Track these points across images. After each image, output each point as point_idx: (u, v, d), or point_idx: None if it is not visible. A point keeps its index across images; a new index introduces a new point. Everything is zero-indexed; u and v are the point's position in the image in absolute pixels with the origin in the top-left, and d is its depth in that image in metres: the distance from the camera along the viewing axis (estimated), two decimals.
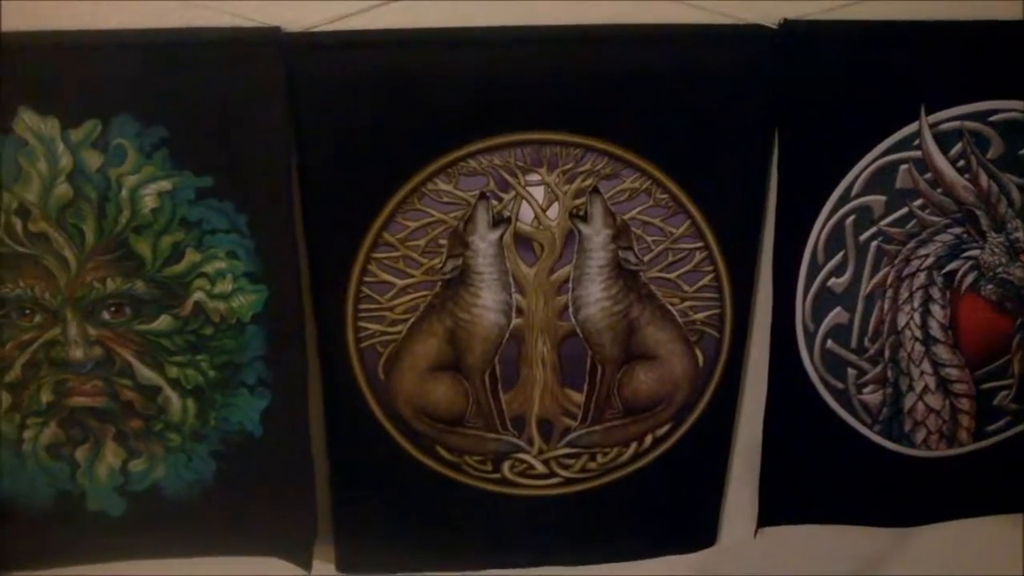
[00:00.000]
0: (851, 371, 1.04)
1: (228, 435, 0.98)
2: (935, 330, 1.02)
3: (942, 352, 1.03)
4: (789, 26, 0.91)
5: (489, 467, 1.03)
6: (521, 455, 1.03)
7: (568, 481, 1.05)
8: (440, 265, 0.95)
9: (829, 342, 1.03)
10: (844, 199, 0.98)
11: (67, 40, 0.82)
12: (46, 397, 0.92)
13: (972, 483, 1.10)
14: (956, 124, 0.96)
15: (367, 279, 0.94)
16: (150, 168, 0.86)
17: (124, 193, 0.86)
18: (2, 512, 0.96)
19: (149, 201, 0.87)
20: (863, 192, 0.98)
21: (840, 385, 1.04)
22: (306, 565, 1.01)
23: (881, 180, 0.97)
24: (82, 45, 0.82)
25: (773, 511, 1.09)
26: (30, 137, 0.83)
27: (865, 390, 1.05)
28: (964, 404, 1.06)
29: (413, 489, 1.03)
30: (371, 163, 0.90)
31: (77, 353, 0.90)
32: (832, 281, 1.00)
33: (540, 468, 1.03)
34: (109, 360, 0.92)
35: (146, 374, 0.94)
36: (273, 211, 0.90)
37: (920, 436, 1.07)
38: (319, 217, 0.91)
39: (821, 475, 1.09)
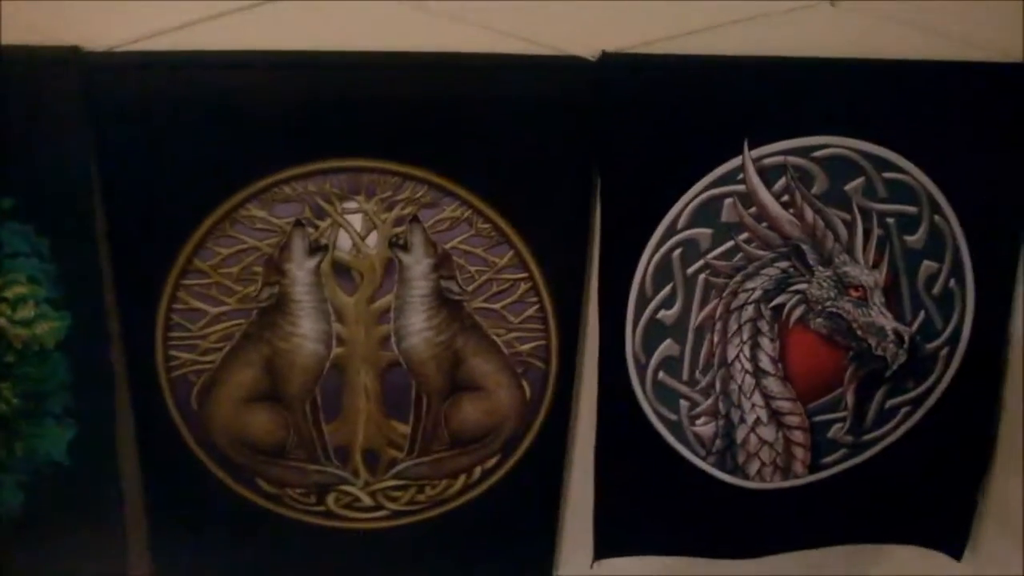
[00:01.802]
0: (684, 403, 1.04)
1: (35, 466, 0.95)
2: (765, 363, 1.03)
3: (772, 385, 1.04)
4: (607, 58, 0.91)
5: (313, 499, 1.02)
6: (346, 487, 1.02)
7: (396, 514, 1.04)
8: (255, 293, 0.93)
9: (661, 374, 1.03)
10: (670, 232, 0.98)
11: None
12: None
13: (809, 515, 1.12)
14: (780, 159, 0.97)
15: (177, 306, 0.92)
16: None
17: None
18: None
19: None
20: (689, 225, 0.98)
21: (673, 417, 1.05)
22: None
23: (706, 213, 0.98)
24: None
25: (609, 543, 1.10)
26: None
27: (698, 422, 1.05)
28: (798, 436, 1.07)
29: (233, 522, 1.02)
30: (179, 187, 0.89)
31: None
32: (661, 313, 1.01)
33: (367, 500, 1.02)
34: None
35: None
36: (76, 235, 0.88)
37: (754, 468, 1.07)
38: (125, 242, 0.90)
39: (657, 506, 1.09)
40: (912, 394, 1.09)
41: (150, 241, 0.91)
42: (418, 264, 0.95)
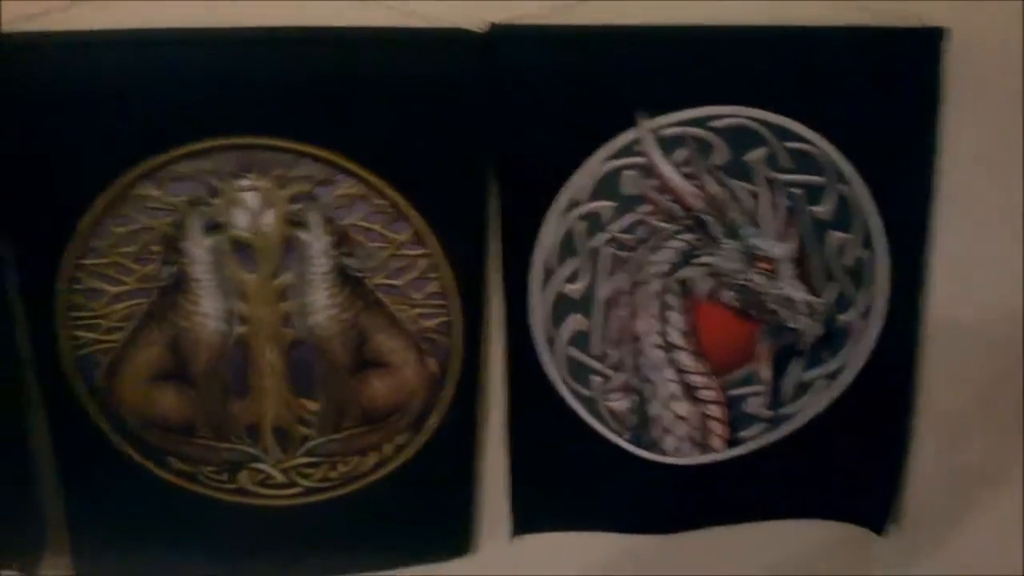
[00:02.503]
0: (595, 378, 1.05)
1: None
2: (675, 337, 1.04)
3: (684, 359, 1.04)
4: (496, 30, 0.92)
5: (225, 477, 1.03)
6: (258, 465, 1.03)
7: (310, 491, 1.05)
8: (155, 272, 0.94)
9: (571, 349, 1.03)
10: (573, 205, 0.99)
11: None
12: None
13: (729, 490, 1.12)
14: (679, 130, 0.97)
15: (77, 287, 0.94)
16: None
17: None
18: None
19: None
20: (591, 198, 0.99)
21: (586, 392, 1.05)
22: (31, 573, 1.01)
23: (608, 186, 0.98)
24: None
25: (526, 519, 1.11)
26: None
27: (611, 397, 1.06)
28: (714, 411, 1.07)
29: (147, 500, 1.03)
30: (71, 167, 0.90)
31: None
32: (567, 287, 1.01)
33: (279, 478, 1.04)
34: None
35: None
36: None
37: (671, 443, 1.08)
38: (21, 223, 0.91)
39: (573, 482, 1.10)
40: (828, 367, 1.08)
41: (46, 221, 0.92)
42: (317, 242, 0.96)
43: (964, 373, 1.10)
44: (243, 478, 1.04)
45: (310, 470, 1.05)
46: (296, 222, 0.96)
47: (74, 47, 0.88)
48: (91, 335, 0.97)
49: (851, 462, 1.13)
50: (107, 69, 0.89)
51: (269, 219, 0.96)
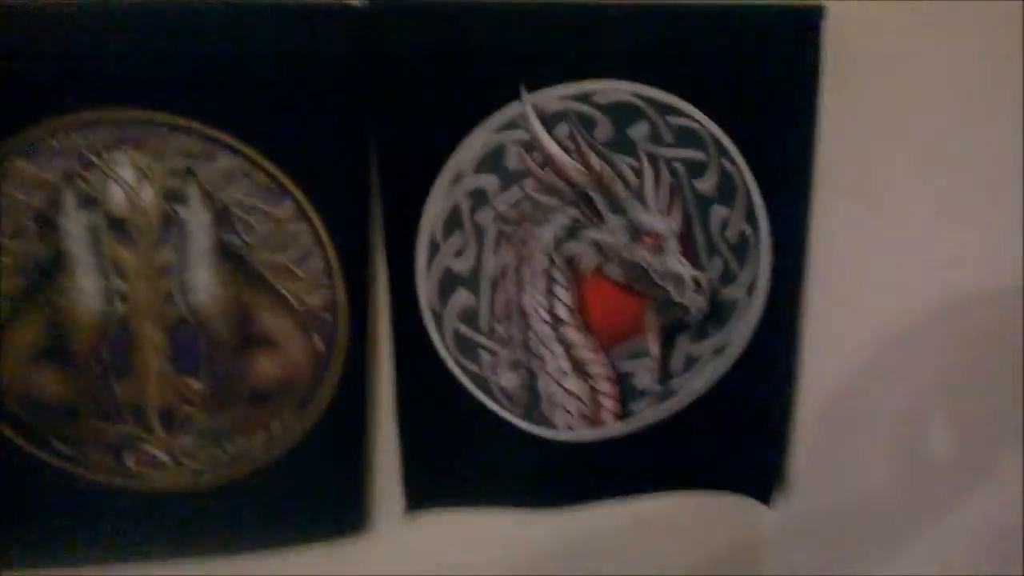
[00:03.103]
0: (485, 354, 1.06)
1: None
2: (562, 312, 1.05)
3: (571, 334, 1.06)
4: (377, 5, 0.93)
5: (111, 459, 1.02)
6: (144, 446, 1.03)
7: (198, 472, 1.05)
8: (31, 249, 0.93)
9: (459, 325, 1.05)
10: (456, 180, 1.00)
11: None
12: None
13: (621, 465, 1.14)
14: (560, 105, 0.99)
15: None
16: None
17: None
18: None
19: None
20: (475, 172, 1.00)
21: (476, 368, 1.07)
22: None
23: (492, 161, 1.00)
24: None
25: (419, 496, 1.12)
26: None
27: (501, 373, 1.07)
28: (604, 386, 1.09)
29: (31, 484, 1.02)
30: None
31: None
32: (454, 263, 1.03)
33: (166, 459, 1.03)
34: None
35: None
36: None
37: (561, 419, 1.10)
38: None
39: (465, 459, 1.12)
40: (716, 340, 1.11)
41: None
42: (197, 217, 0.96)
43: (844, 347, 1.13)
44: (130, 460, 1.04)
45: (198, 450, 1.05)
46: (175, 197, 0.96)
47: None
48: None
49: (737, 435, 1.15)
50: None
51: (147, 194, 0.96)
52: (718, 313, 1.10)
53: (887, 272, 1.11)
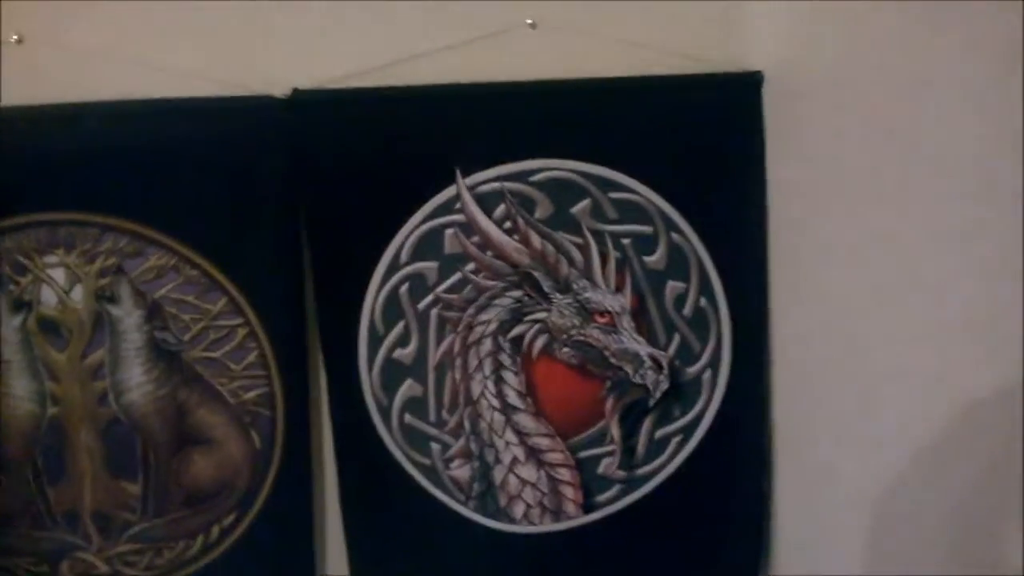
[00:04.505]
0: (435, 445, 1.08)
1: None
2: (512, 398, 1.07)
3: (524, 420, 1.08)
4: (299, 95, 0.97)
5: (46, 568, 1.04)
6: (80, 554, 1.05)
7: None
8: None
9: (406, 416, 1.07)
10: (394, 267, 1.03)
11: None
12: None
13: (589, 559, 1.13)
14: (496, 185, 1.02)
15: None
16: None
17: None
18: None
19: None
20: (412, 259, 1.04)
21: (426, 461, 1.08)
22: None
23: (429, 246, 1.03)
24: None
25: None
26: None
27: (452, 464, 1.09)
28: (563, 474, 1.10)
29: None
30: None
31: None
32: (398, 352, 1.05)
33: (103, 567, 1.06)
34: None
35: None
36: None
37: (519, 510, 1.10)
38: None
39: (419, 557, 1.12)
40: (681, 422, 1.12)
41: None
42: (128, 316, 1.00)
43: (816, 414, 1.12)
44: (64, 569, 1.06)
45: (135, 557, 1.07)
46: (106, 297, 1.00)
47: None
48: None
49: (713, 521, 1.14)
50: None
51: (78, 295, 1.00)
52: (682, 392, 1.10)
53: (851, 322, 1.10)
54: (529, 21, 1.03)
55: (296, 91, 0.99)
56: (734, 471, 1.14)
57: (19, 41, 0.96)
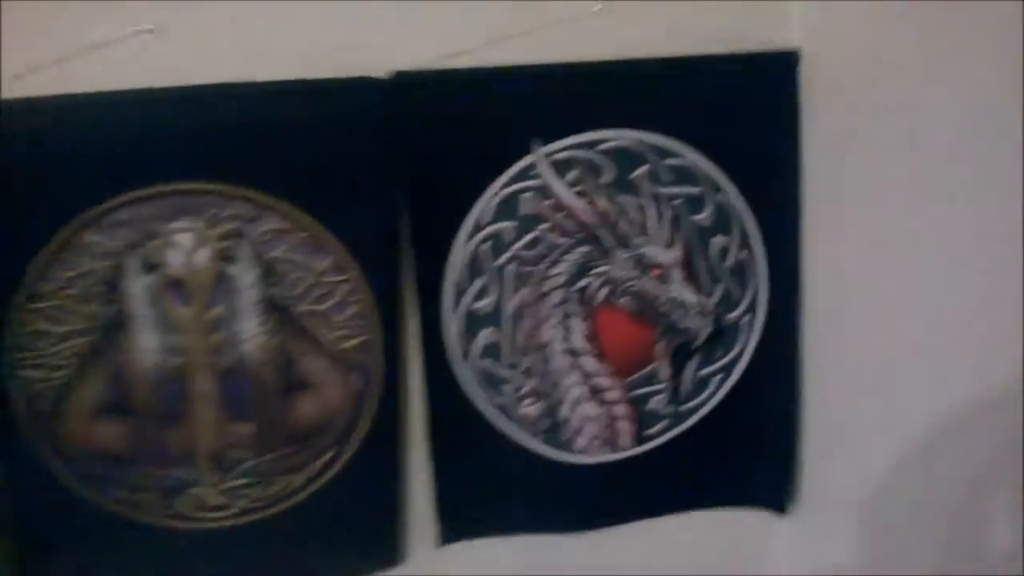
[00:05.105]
0: (507, 387, 1.62)
1: None
2: (578, 342, 1.62)
3: (588, 363, 1.63)
4: (401, 77, 1.49)
5: (165, 503, 1.56)
6: (194, 490, 1.56)
7: (244, 511, 1.58)
8: (97, 311, 1.47)
9: (483, 361, 1.60)
10: (477, 228, 1.55)
11: None
12: None
13: (640, 486, 1.70)
14: (569, 154, 1.56)
15: (25, 329, 1.46)
16: None
17: None
18: None
19: None
20: (493, 220, 1.56)
21: (500, 400, 1.62)
22: None
23: (508, 208, 1.56)
24: None
25: (452, 528, 1.66)
26: None
27: (523, 404, 1.63)
28: (620, 410, 1.65)
29: (92, 529, 1.54)
30: (14, 220, 1.42)
31: None
32: (477, 304, 1.58)
33: (214, 500, 1.57)
34: None
35: None
36: None
37: (581, 443, 1.65)
38: None
39: (494, 488, 1.66)
40: (722, 362, 1.68)
41: None
42: (246, 275, 1.51)
43: (844, 358, 1.71)
44: (181, 503, 1.57)
45: (245, 490, 1.58)
46: (226, 258, 1.51)
47: (22, 113, 1.41)
48: (38, 374, 1.49)
49: (748, 450, 1.72)
50: (50, 131, 1.42)
51: (202, 257, 1.51)
52: (723, 335, 1.67)
53: (880, 278, 1.68)
54: (597, 8, 1.56)
55: (398, 73, 1.50)
56: (768, 404, 1.72)
57: (150, 32, 1.45)
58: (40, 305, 1.44)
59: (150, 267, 1.46)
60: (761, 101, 1.58)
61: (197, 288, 1.48)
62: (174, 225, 1.46)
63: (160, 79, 1.41)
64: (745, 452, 1.70)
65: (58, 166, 1.40)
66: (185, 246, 1.47)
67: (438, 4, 1.49)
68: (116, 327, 1.47)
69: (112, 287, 1.45)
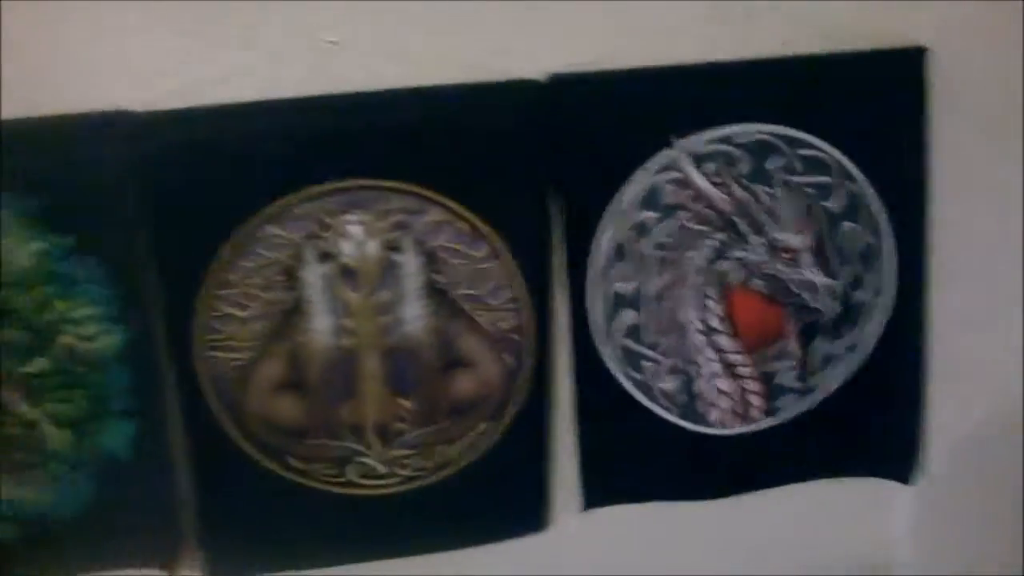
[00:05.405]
0: (647, 364, 1.75)
1: (102, 461, 1.64)
2: (714, 322, 1.74)
3: (723, 340, 1.75)
4: (555, 79, 1.61)
5: (335, 472, 1.71)
6: (363, 459, 1.71)
7: (407, 479, 1.73)
8: (277, 297, 1.63)
9: (625, 340, 1.74)
10: (622, 217, 1.68)
11: None
12: None
13: (769, 456, 1.82)
14: (708, 147, 1.67)
15: (213, 314, 1.61)
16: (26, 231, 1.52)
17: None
18: None
19: (24, 259, 1.53)
20: (637, 209, 1.68)
21: (640, 377, 1.75)
22: (172, 571, 1.69)
23: (651, 198, 1.68)
24: None
25: (594, 494, 1.80)
26: None
27: (662, 379, 1.76)
28: (751, 385, 1.77)
29: (269, 496, 1.70)
30: (205, 216, 1.57)
31: None
32: (620, 287, 1.71)
33: (381, 469, 1.72)
34: None
35: (25, 410, 1.60)
36: (128, 264, 1.57)
37: (715, 416, 1.78)
38: (168, 266, 1.59)
39: (633, 458, 1.79)
40: (848, 340, 1.79)
41: (188, 263, 1.60)
42: (410, 262, 1.65)
43: (968, 341, 1.81)
44: (350, 471, 1.72)
45: (407, 460, 1.73)
46: (393, 247, 1.64)
47: (207, 119, 1.55)
48: (223, 355, 1.64)
49: (875, 423, 1.84)
50: (233, 136, 1.56)
51: (371, 247, 1.65)
52: (850, 315, 1.78)
53: (1005, 266, 1.78)
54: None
55: (554, 75, 1.62)
56: (894, 380, 1.83)
57: (334, 43, 1.58)
58: (227, 292, 1.58)
59: (325, 256, 1.59)
60: (890, 96, 1.68)
61: (366, 275, 1.61)
62: (346, 218, 1.58)
63: (327, 86, 1.54)
64: (872, 425, 1.81)
65: (243, 167, 1.53)
66: (356, 237, 1.60)
67: (590, 5, 1.60)
68: (294, 311, 1.61)
69: (291, 275, 1.58)
